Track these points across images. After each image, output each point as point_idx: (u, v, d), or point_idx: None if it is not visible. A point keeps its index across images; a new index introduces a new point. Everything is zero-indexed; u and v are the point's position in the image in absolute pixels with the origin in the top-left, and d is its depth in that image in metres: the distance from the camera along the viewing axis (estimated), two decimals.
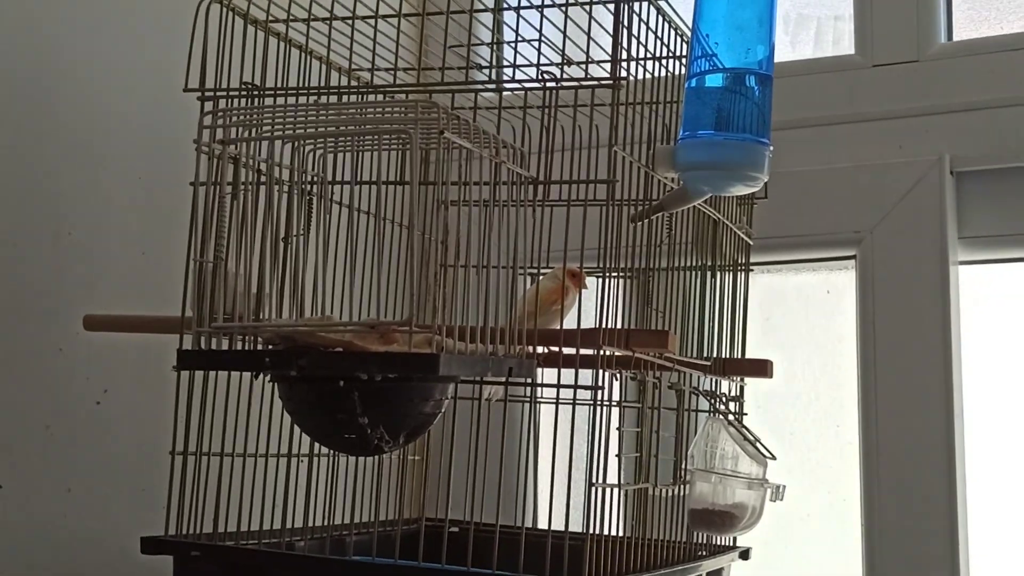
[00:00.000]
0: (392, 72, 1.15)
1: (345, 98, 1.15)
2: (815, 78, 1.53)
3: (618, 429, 1.04)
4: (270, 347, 0.91)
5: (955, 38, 1.52)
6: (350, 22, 1.11)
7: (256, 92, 1.10)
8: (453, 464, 1.10)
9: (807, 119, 1.49)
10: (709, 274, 1.26)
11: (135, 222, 1.31)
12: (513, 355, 0.95)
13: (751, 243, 1.34)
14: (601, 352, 0.99)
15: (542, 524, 1.13)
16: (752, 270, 1.35)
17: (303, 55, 1.16)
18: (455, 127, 0.87)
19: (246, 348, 0.93)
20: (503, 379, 1.00)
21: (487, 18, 1.17)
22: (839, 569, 1.51)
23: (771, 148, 1.04)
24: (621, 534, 1.06)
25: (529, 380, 1.00)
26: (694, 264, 1.23)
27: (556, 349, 1.06)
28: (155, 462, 1.24)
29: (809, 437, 1.55)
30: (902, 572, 1.42)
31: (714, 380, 1.25)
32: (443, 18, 1.10)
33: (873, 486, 1.44)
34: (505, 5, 1.07)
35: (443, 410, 0.95)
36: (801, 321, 1.58)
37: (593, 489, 0.99)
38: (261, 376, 0.97)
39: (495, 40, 1.11)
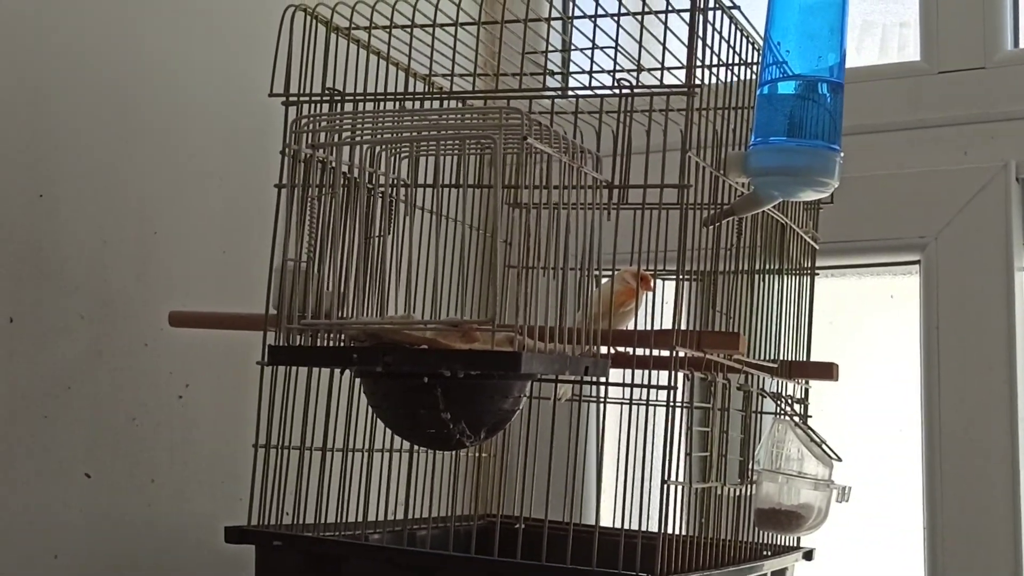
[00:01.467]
0: (470, 79, 1.18)
1: (426, 104, 1.18)
2: (881, 84, 1.53)
3: (689, 429, 1.05)
4: (355, 344, 0.94)
5: (1022, 45, 1.52)
6: (430, 30, 1.13)
7: (339, 98, 1.13)
8: (527, 463, 1.13)
9: (873, 125, 1.49)
10: (776, 277, 1.27)
11: (217, 222, 1.35)
12: (588, 355, 0.98)
13: (817, 247, 1.35)
14: (675, 353, 1.01)
15: (606, 522, 1.14)
16: (818, 274, 1.36)
17: (383, 62, 1.18)
18: (536, 132, 0.90)
19: (332, 345, 0.96)
20: (578, 378, 1.03)
21: (561, 25, 1.19)
22: (902, 571, 1.52)
23: (842, 154, 1.05)
24: (688, 533, 1.08)
25: (603, 379, 1.02)
26: (761, 267, 1.24)
27: (627, 349, 1.08)
28: (235, 455, 1.28)
29: (871, 441, 1.55)
30: (965, 572, 1.42)
31: (780, 382, 1.26)
32: (519, 26, 1.12)
33: (936, 490, 1.45)
34: (580, 13, 1.09)
35: (521, 407, 0.97)
36: (865, 325, 1.59)
37: (666, 487, 1.00)
38: (347, 371, 0.99)
39: (570, 47, 1.13)
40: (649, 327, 1.09)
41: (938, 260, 1.48)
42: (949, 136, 1.50)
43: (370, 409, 0.99)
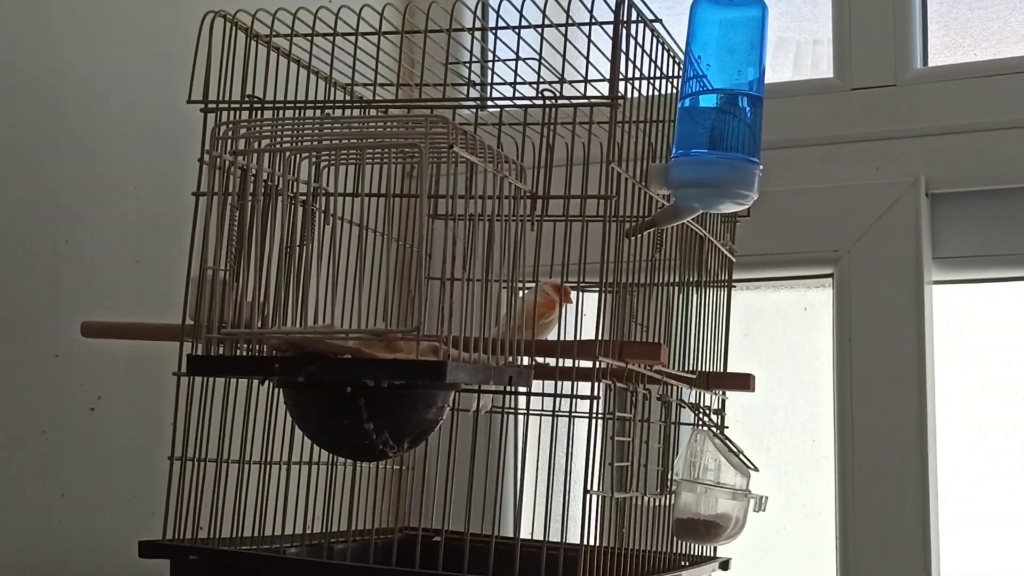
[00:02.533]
0: (392, 88, 1.17)
1: (348, 112, 1.17)
2: (794, 100, 1.56)
3: (610, 439, 1.05)
4: (276, 354, 0.93)
5: (931, 63, 1.55)
6: (352, 39, 1.12)
7: (259, 105, 1.12)
8: (446, 474, 1.12)
9: (787, 140, 1.51)
10: (694, 289, 1.28)
11: (132, 231, 1.32)
12: (512, 365, 0.98)
13: (734, 260, 1.36)
14: (598, 363, 1.01)
15: (527, 534, 1.14)
16: (735, 286, 1.37)
17: (304, 70, 1.17)
18: (462, 142, 0.89)
19: (253, 355, 0.94)
20: (501, 388, 1.03)
21: (483, 36, 1.20)
22: None
23: (761, 167, 1.07)
24: (608, 543, 1.08)
25: (526, 389, 1.02)
26: (681, 279, 1.25)
27: (550, 360, 1.08)
28: (148, 468, 1.26)
29: (786, 451, 1.57)
30: None
31: (698, 393, 1.27)
32: (442, 36, 1.12)
33: (848, 499, 1.47)
34: (504, 24, 1.09)
35: (444, 417, 0.97)
36: (779, 337, 1.60)
37: (587, 497, 1.00)
38: (266, 382, 0.98)
39: (494, 58, 1.13)
40: (570, 338, 1.09)
41: (851, 273, 1.51)
42: (861, 151, 1.53)
43: (289, 421, 0.98)
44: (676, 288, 1.23)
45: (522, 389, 1.05)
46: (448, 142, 0.88)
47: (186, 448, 1.09)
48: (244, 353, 0.94)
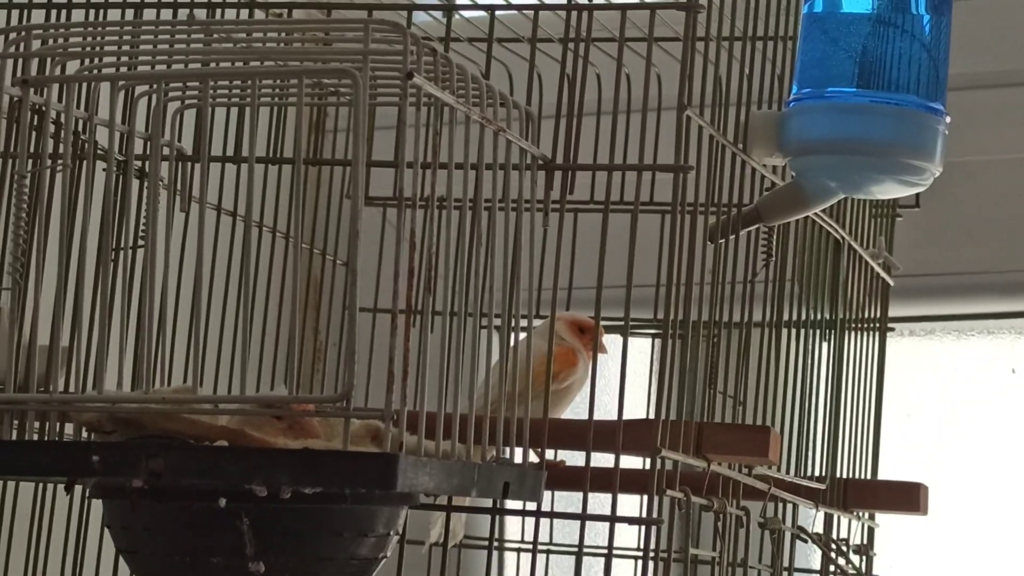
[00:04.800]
0: None
1: (224, 14, 1.17)
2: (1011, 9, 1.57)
3: None
4: (94, 438, 0.92)
5: None
6: None
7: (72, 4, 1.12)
8: None
9: (999, 74, 1.52)
10: (826, 332, 1.29)
11: None
12: (508, 461, 0.97)
13: (891, 282, 1.37)
14: (658, 462, 1.01)
15: None
16: (892, 329, 1.38)
17: None
18: (428, 67, 0.89)
19: (50, 439, 0.94)
20: (487, 504, 1.03)
21: None
22: None
23: (948, 120, 1.07)
24: None
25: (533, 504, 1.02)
26: (802, 316, 1.25)
27: (571, 454, 1.08)
28: None
29: None
30: None
31: (829, 515, 1.28)
32: None
33: None
34: None
35: (387, 554, 0.97)
36: (973, 415, 1.62)
37: None
38: (73, 488, 0.98)
39: None
40: (606, 417, 1.09)
41: None
42: None
43: (117, 555, 0.98)
44: (795, 330, 1.24)
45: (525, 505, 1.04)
46: (402, 67, 0.87)
47: None
48: (35, 436, 0.94)
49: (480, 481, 0.94)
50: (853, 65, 1.07)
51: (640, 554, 1.03)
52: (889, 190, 1.12)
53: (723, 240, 1.11)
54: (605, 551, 1.04)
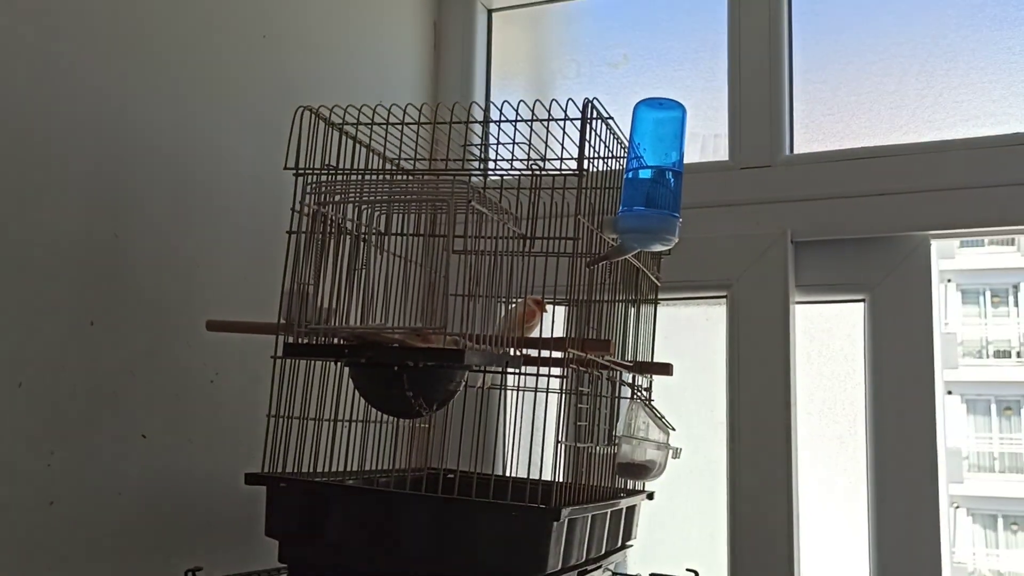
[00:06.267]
0: (424, 161, 1.17)
1: (395, 178, 1.16)
2: (702, 175, 1.56)
3: (575, 407, 1.05)
4: (345, 344, 0.93)
5: (795, 151, 1.57)
6: (398, 127, 1.12)
7: (334, 171, 1.12)
8: (460, 430, 1.11)
9: (697, 202, 1.51)
10: (631, 304, 1.29)
11: (244, 257, 1.32)
12: (508, 355, 0.98)
13: (659, 285, 1.36)
14: (567, 354, 1.01)
15: (516, 472, 1.14)
16: (659, 303, 1.37)
17: (363, 148, 1.17)
18: (477, 198, 0.90)
19: (328, 344, 0.94)
20: (500, 370, 1.02)
21: (489, 126, 1.20)
22: (709, 507, 1.54)
23: (680, 220, 1.07)
24: (571, 480, 1.08)
25: (517, 371, 1.01)
26: (622, 297, 1.25)
27: (533, 352, 1.08)
28: (252, 423, 1.24)
29: (693, 417, 1.58)
30: (752, 509, 1.45)
31: (634, 376, 1.27)
32: (461, 126, 1.12)
33: (736, 453, 1.48)
34: (504, 119, 1.09)
35: (461, 388, 0.97)
36: (689, 339, 1.61)
37: (558, 447, 1.00)
38: (337, 363, 0.97)
39: (497, 142, 1.13)
40: (547, 336, 1.09)
41: (739, 295, 1.52)
42: (747, 212, 1.54)
43: (351, 390, 0.97)
44: (620, 304, 1.23)
45: (514, 371, 1.04)
46: (467, 198, 0.88)
47: (279, 409, 1.08)
48: (322, 342, 0.94)
49: (497, 361, 0.94)
50: (643, 197, 1.06)
51: (560, 390, 1.03)
52: (657, 247, 1.10)
53: (593, 267, 1.10)
54: (545, 390, 1.05)
